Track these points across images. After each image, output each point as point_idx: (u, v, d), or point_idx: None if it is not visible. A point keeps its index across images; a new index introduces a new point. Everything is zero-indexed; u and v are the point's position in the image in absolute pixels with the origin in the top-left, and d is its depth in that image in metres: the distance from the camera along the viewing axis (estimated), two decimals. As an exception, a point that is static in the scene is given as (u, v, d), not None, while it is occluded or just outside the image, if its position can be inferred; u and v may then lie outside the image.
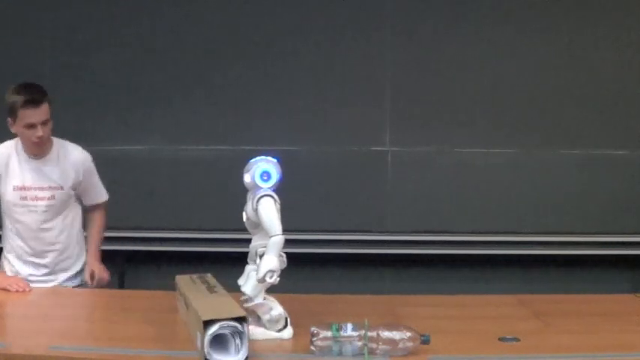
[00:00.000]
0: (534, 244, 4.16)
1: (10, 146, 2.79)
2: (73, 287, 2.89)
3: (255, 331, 2.04)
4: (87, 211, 3.04)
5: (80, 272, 2.96)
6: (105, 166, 4.21)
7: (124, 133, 4.25)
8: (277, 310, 2.07)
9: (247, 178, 2.07)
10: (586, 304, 2.53)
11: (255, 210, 2.04)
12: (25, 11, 4.26)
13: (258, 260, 2.04)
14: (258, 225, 2.07)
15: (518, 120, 4.22)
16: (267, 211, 2.03)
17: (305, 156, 4.15)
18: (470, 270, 4.17)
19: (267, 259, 1.99)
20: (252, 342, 2.00)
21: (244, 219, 2.11)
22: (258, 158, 2.08)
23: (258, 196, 2.04)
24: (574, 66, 4.21)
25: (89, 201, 2.99)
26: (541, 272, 4.15)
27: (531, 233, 4.17)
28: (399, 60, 4.24)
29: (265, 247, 2.02)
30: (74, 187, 2.87)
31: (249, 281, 2.05)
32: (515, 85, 4.21)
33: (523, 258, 4.15)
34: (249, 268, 2.08)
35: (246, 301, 2.06)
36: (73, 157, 2.86)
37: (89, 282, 2.91)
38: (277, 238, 2.00)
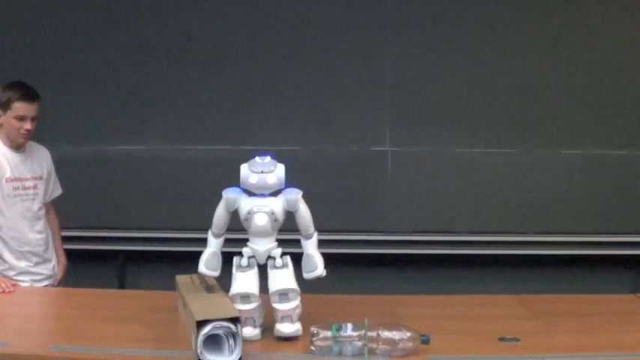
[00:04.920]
0: (534, 244, 4.16)
1: None
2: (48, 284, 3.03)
3: (294, 328, 2.04)
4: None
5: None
6: (105, 166, 4.25)
7: (124, 133, 4.26)
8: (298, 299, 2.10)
9: (272, 179, 2.03)
10: (586, 304, 2.53)
11: (295, 209, 2.05)
12: (25, 11, 4.26)
13: (279, 261, 2.05)
14: (279, 226, 2.06)
15: (518, 120, 4.22)
16: (307, 209, 2.08)
17: (305, 156, 4.15)
18: (470, 270, 4.17)
19: (318, 255, 2.06)
20: (252, 342, 2.01)
21: (263, 222, 2.04)
22: (268, 159, 2.05)
23: (300, 194, 2.06)
24: (574, 66, 4.21)
25: (49, 196, 3.10)
26: (541, 272, 4.15)
27: (531, 233, 4.17)
28: (399, 60, 4.24)
29: (277, 248, 2.06)
30: (47, 178, 3.05)
31: (287, 278, 2.03)
32: (516, 85, 4.21)
33: (523, 258, 4.15)
34: (249, 273, 2.05)
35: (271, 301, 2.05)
36: (40, 151, 3.05)
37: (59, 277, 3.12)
38: (317, 234, 2.08)
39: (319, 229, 2.13)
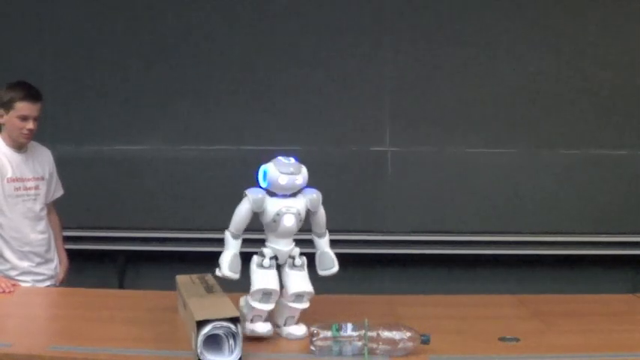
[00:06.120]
0: (534, 244, 4.16)
1: None
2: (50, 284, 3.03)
3: (304, 330, 2.05)
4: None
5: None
6: (105, 166, 4.25)
7: (124, 133, 4.26)
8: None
9: (300, 180, 2.03)
10: (586, 304, 2.53)
11: (317, 210, 2.08)
12: (25, 11, 4.26)
13: (298, 261, 2.06)
14: (300, 226, 2.07)
15: (518, 120, 4.22)
16: (323, 208, 2.11)
17: (305, 156, 4.12)
18: (470, 270, 4.17)
19: (332, 252, 2.14)
20: (253, 342, 2.01)
21: (291, 223, 2.03)
22: (292, 160, 2.05)
23: (320, 195, 2.08)
24: (574, 66, 4.21)
25: (51, 196, 3.09)
26: (541, 272, 4.15)
27: (531, 233, 4.17)
28: (399, 60, 4.24)
29: (295, 247, 2.07)
30: (49, 179, 3.04)
31: (305, 280, 2.06)
32: (516, 85, 4.21)
33: (523, 258, 4.15)
34: (270, 271, 2.04)
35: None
36: (42, 151, 3.05)
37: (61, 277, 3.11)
38: (328, 232, 2.13)
39: (319, 229, 2.13)
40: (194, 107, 4.25)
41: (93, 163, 4.24)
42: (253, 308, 2.01)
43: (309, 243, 2.14)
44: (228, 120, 4.24)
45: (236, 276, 2.01)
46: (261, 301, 2.01)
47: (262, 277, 2.02)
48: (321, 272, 2.09)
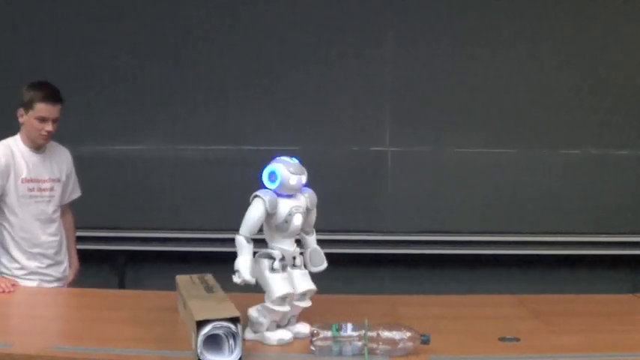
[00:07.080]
0: (534, 244, 4.16)
1: (12, 143, 2.88)
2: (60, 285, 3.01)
3: (309, 327, 2.03)
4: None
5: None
6: (105, 166, 4.25)
7: (124, 133, 4.26)
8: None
9: (304, 180, 2.04)
10: (586, 304, 2.53)
11: (313, 208, 2.08)
12: (25, 11, 4.26)
13: (299, 260, 2.06)
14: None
15: (518, 120, 4.22)
16: None
17: (305, 156, 4.13)
18: (470, 270, 4.17)
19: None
20: (253, 343, 2.01)
21: (300, 222, 2.03)
22: (293, 158, 2.05)
23: (314, 193, 2.07)
24: (574, 66, 4.21)
25: (66, 198, 3.07)
26: (541, 272, 4.15)
27: (531, 233, 4.17)
28: (399, 60, 4.24)
29: (296, 247, 2.07)
30: (65, 180, 3.01)
31: (309, 278, 2.07)
32: (515, 85, 4.22)
33: (523, 258, 4.15)
34: (283, 274, 2.03)
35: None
36: (61, 152, 3.02)
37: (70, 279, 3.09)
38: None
39: (319, 229, 2.14)
40: (194, 107, 4.26)
41: (93, 163, 4.22)
42: (273, 312, 1.99)
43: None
44: (228, 120, 4.24)
45: (254, 281, 1.97)
46: (280, 304, 2.00)
47: (280, 283, 2.00)
48: (313, 269, 2.10)
